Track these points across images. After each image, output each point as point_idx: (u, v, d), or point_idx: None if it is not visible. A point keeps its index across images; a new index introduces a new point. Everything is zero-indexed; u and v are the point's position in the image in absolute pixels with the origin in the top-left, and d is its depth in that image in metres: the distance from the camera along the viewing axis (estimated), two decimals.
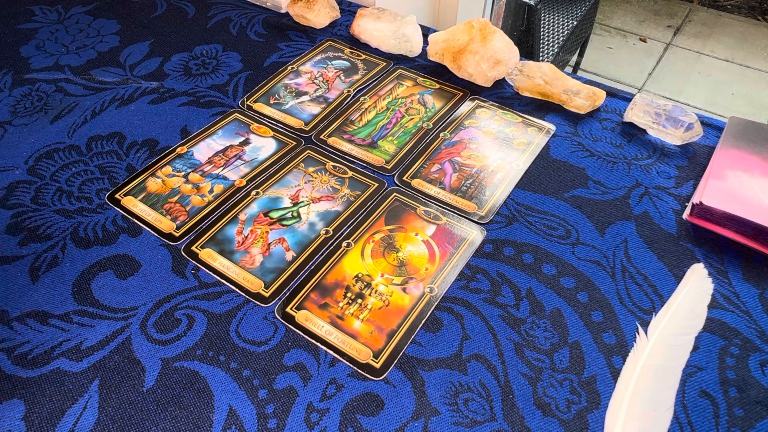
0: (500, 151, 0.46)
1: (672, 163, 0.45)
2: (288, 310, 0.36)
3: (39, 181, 0.44)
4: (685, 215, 0.41)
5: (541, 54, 1.36)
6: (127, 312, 0.36)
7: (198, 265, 0.38)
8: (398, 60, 0.56)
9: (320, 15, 0.59)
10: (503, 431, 0.30)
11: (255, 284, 0.37)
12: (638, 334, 0.34)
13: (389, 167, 0.45)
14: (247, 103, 0.51)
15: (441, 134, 0.48)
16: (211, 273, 0.38)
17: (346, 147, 0.47)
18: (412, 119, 0.49)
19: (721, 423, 0.30)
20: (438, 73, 0.54)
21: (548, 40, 1.40)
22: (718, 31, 2.15)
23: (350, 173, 0.45)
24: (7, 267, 0.38)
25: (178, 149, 0.47)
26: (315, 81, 0.53)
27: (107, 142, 0.47)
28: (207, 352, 0.33)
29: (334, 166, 0.45)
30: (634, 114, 0.47)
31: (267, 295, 0.37)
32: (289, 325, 0.35)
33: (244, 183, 0.44)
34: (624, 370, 0.32)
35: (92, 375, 0.33)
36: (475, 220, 0.41)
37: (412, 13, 0.57)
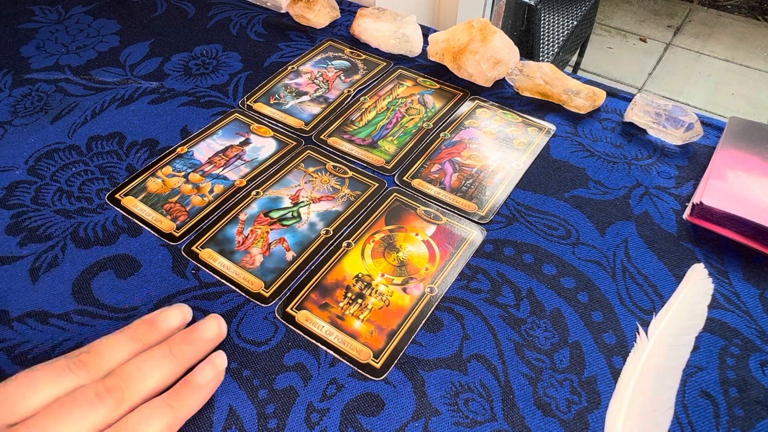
0: (500, 151, 0.46)
1: (672, 163, 0.45)
2: (288, 310, 0.36)
3: (39, 181, 0.44)
4: (686, 215, 0.41)
5: (541, 54, 1.36)
6: (128, 312, 0.36)
7: (198, 265, 0.38)
8: (398, 60, 0.56)
9: (320, 15, 0.59)
10: (503, 431, 0.30)
11: (255, 284, 0.37)
12: (638, 334, 0.34)
13: (389, 167, 0.45)
14: (248, 103, 0.51)
15: (441, 134, 0.48)
16: (211, 273, 0.38)
17: (346, 147, 0.47)
18: (412, 119, 0.49)
19: (721, 423, 0.30)
20: (438, 73, 0.54)
21: (548, 40, 1.40)
22: (718, 31, 2.15)
23: (350, 173, 0.45)
24: (7, 267, 0.38)
25: (178, 149, 0.47)
26: (315, 81, 0.53)
27: (107, 142, 0.47)
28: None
29: (335, 166, 0.45)
30: (634, 114, 0.47)
31: (267, 295, 0.37)
32: (290, 325, 0.35)
33: (245, 183, 0.44)
34: (624, 370, 0.32)
35: None
36: (476, 220, 0.41)
37: (412, 13, 0.57)
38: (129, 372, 0.30)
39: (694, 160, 0.45)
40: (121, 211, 0.42)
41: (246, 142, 0.47)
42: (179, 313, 0.33)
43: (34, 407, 0.28)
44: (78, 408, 0.28)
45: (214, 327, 0.33)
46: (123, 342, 0.31)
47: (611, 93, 0.51)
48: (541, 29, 1.42)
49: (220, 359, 0.32)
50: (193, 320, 0.35)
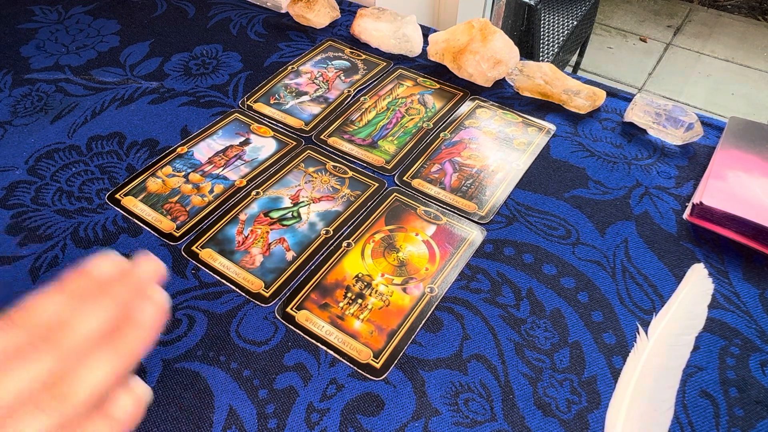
0: (500, 151, 0.46)
1: (672, 163, 0.45)
2: (288, 310, 0.36)
3: (39, 181, 0.44)
4: (686, 215, 0.41)
5: (541, 54, 1.36)
6: None
7: (198, 265, 0.38)
8: (398, 60, 0.56)
9: (320, 15, 0.59)
10: (503, 431, 0.30)
11: (255, 284, 0.37)
12: (638, 334, 0.34)
13: (389, 167, 0.45)
14: (248, 103, 0.51)
15: (441, 134, 0.48)
16: (211, 273, 0.38)
17: (347, 147, 0.47)
18: (412, 119, 0.49)
19: (721, 423, 0.30)
20: (438, 73, 0.54)
21: (548, 40, 1.40)
22: (718, 31, 2.15)
23: (350, 173, 0.45)
24: (7, 267, 0.38)
25: (179, 149, 0.47)
26: (315, 81, 0.53)
27: (107, 142, 0.47)
28: (207, 352, 0.33)
29: (335, 166, 0.45)
30: (634, 114, 0.47)
31: (267, 295, 0.37)
32: (290, 325, 0.35)
33: (245, 183, 0.44)
34: (624, 370, 0.32)
35: None
36: (476, 220, 0.41)
37: (412, 13, 0.57)
38: (63, 319, 0.29)
39: (694, 160, 0.45)
40: (121, 211, 0.42)
41: (246, 142, 0.47)
42: (108, 260, 0.32)
43: None
44: (15, 360, 0.27)
45: (149, 265, 0.32)
46: (52, 295, 0.30)
47: (611, 93, 0.51)
48: (541, 29, 1.42)
49: (158, 294, 0.31)
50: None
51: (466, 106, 0.50)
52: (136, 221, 0.41)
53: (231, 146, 0.47)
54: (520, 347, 0.34)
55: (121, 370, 0.28)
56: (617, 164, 0.45)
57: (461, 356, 0.33)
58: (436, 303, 0.36)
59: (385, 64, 0.55)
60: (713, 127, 0.47)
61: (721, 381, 0.32)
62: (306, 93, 0.52)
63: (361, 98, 0.51)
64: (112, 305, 0.30)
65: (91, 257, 0.32)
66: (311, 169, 0.45)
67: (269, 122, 0.49)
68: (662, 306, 0.35)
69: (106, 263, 0.32)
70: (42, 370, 0.27)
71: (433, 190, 0.43)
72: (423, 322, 0.35)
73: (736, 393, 0.32)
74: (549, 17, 1.48)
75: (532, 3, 1.19)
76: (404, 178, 0.44)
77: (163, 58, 0.56)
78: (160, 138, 0.48)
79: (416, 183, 0.44)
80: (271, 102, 0.51)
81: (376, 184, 0.44)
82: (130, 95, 0.52)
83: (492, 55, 0.50)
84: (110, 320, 0.30)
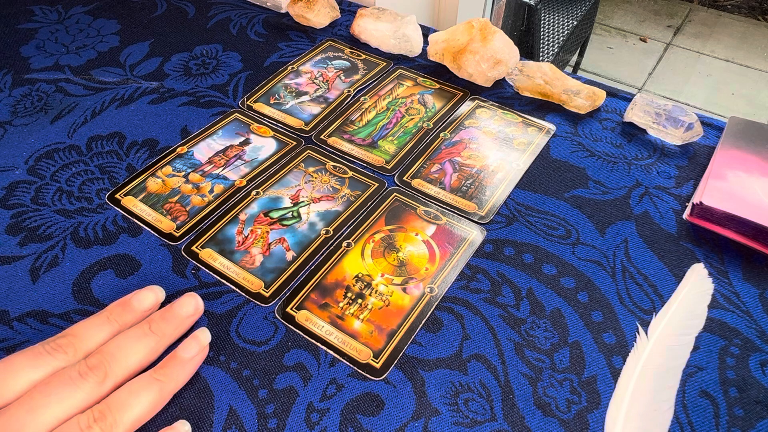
0: (500, 151, 0.46)
1: (672, 163, 0.45)
2: (288, 310, 0.36)
3: (39, 181, 0.44)
4: (686, 215, 0.41)
5: (541, 54, 1.36)
6: None
7: (198, 265, 0.38)
8: (398, 60, 0.56)
9: (320, 15, 0.59)
10: (503, 431, 0.30)
11: (255, 284, 0.37)
12: (638, 334, 0.34)
13: (389, 167, 0.45)
14: (248, 103, 0.51)
15: (441, 134, 0.48)
16: (211, 273, 0.38)
17: (347, 147, 0.47)
18: (412, 119, 0.49)
19: (721, 423, 0.30)
20: (438, 73, 0.54)
21: (548, 40, 1.40)
22: (718, 31, 2.15)
23: (350, 173, 0.45)
24: (8, 267, 0.38)
25: (178, 149, 0.47)
26: (315, 81, 0.53)
27: (107, 142, 0.47)
28: (207, 352, 0.33)
29: (335, 166, 0.45)
30: (634, 114, 0.47)
31: (267, 295, 0.37)
32: (289, 325, 0.35)
33: (245, 183, 0.44)
34: (624, 370, 0.32)
35: None
36: (475, 220, 0.41)
37: (412, 13, 0.57)
38: (110, 350, 0.30)
39: (694, 160, 0.45)
40: (121, 211, 0.42)
41: (246, 142, 0.47)
42: (152, 294, 0.34)
43: (17, 392, 0.28)
44: (62, 386, 0.28)
45: (191, 304, 0.33)
46: (99, 324, 0.31)
47: (611, 93, 0.51)
48: (541, 29, 1.42)
49: (204, 334, 0.32)
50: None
51: (466, 106, 0.51)
52: (136, 221, 0.41)
53: (231, 146, 0.47)
54: (520, 347, 0.34)
55: (162, 401, 0.30)
56: (617, 164, 0.45)
57: (461, 356, 0.33)
58: (436, 303, 0.36)
59: (385, 64, 0.55)
60: (713, 127, 0.47)
61: (721, 381, 0.32)
62: (306, 93, 0.52)
63: (361, 98, 0.51)
64: (155, 341, 0.31)
65: (136, 292, 0.33)
66: (311, 169, 0.45)
67: (269, 122, 0.49)
68: (662, 306, 0.35)
69: (149, 297, 0.33)
70: (84, 396, 0.28)
71: (433, 190, 0.43)
72: (423, 322, 0.35)
73: (736, 393, 0.32)
74: (549, 17, 1.48)
75: (532, 3, 1.19)
76: (404, 178, 0.44)
77: (163, 58, 0.56)
78: (160, 138, 0.48)
79: (416, 183, 0.44)
80: (271, 102, 0.51)
81: (376, 184, 0.44)
82: (130, 95, 0.52)
83: (492, 55, 0.50)
84: (153, 355, 0.31)
